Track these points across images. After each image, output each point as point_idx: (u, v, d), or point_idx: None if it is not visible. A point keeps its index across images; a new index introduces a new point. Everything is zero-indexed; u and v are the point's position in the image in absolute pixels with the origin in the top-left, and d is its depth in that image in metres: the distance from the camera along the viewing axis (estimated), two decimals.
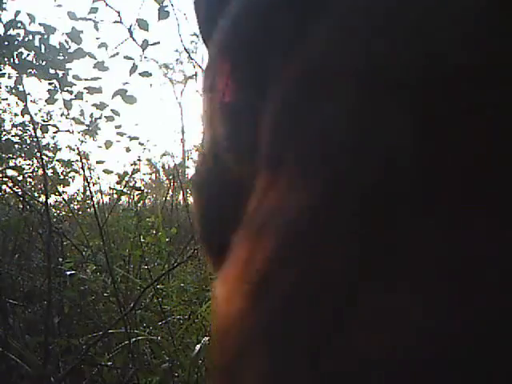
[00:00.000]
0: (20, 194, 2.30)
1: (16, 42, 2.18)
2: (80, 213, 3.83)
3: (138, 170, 2.88)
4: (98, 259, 2.17)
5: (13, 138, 3.24)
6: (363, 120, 0.16)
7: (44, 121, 3.18)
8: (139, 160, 4.55)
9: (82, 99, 2.33)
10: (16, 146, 3.25)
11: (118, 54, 2.22)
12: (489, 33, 0.15)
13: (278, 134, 0.21)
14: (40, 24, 2.22)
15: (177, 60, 16.37)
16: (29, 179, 3.50)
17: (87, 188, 3.88)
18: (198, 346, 1.59)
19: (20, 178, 3.00)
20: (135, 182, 4.27)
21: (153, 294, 1.98)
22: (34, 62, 2.26)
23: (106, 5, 2.12)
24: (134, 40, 2.11)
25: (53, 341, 1.61)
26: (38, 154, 2.52)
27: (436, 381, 0.12)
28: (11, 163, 3.36)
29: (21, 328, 1.71)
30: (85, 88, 2.31)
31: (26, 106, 2.11)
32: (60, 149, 3.48)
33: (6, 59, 2.26)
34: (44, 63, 2.26)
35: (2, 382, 1.54)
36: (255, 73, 0.24)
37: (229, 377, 0.18)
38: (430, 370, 0.12)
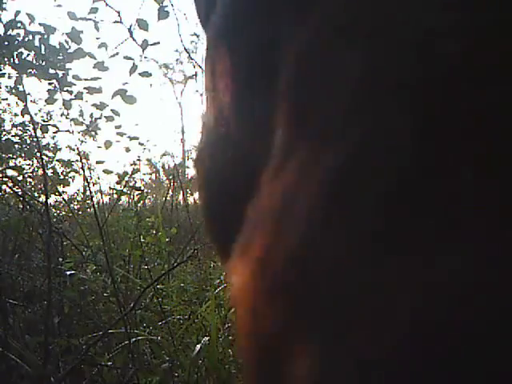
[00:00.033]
0: (20, 194, 2.30)
1: (16, 42, 2.18)
2: (80, 213, 3.84)
3: (138, 170, 2.88)
4: (97, 259, 2.17)
5: (13, 138, 3.24)
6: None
7: (44, 121, 3.18)
8: (139, 160, 4.56)
9: (81, 99, 2.33)
10: (16, 145, 3.25)
11: (117, 53, 2.22)
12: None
13: (299, 91, 0.20)
14: (40, 24, 2.22)
15: (177, 60, 16.39)
16: (29, 179, 3.50)
17: (87, 188, 3.88)
18: (198, 346, 1.59)
19: (20, 178, 3.01)
20: (135, 182, 4.28)
21: (153, 294, 1.98)
22: (34, 62, 2.26)
23: (106, 5, 2.13)
24: (134, 40, 2.11)
25: (53, 341, 1.61)
26: (38, 154, 2.52)
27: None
28: (11, 163, 3.36)
29: (21, 328, 1.71)
30: (85, 88, 2.31)
31: (25, 106, 2.11)
32: (60, 149, 3.49)
33: (6, 59, 2.26)
34: (44, 63, 2.26)
35: (2, 382, 1.54)
36: (263, 37, 0.23)
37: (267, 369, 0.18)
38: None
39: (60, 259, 2.01)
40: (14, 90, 2.59)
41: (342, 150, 0.16)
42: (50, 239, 1.74)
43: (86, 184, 2.90)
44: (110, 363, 1.57)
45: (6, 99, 3.48)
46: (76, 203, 4.47)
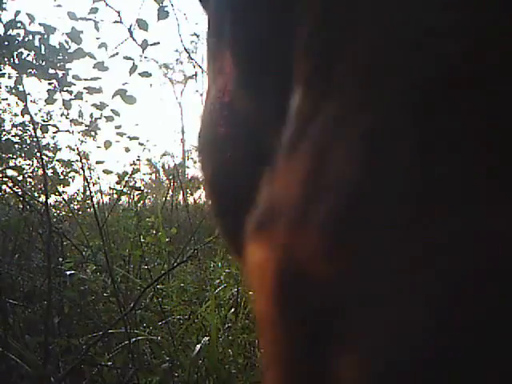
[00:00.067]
0: (20, 194, 2.30)
1: (16, 42, 2.18)
2: (80, 213, 3.84)
3: (138, 170, 2.88)
4: (97, 259, 2.17)
5: (13, 138, 3.24)
6: None
7: (44, 121, 3.18)
8: (139, 160, 4.55)
9: (81, 99, 2.33)
10: (16, 145, 3.25)
11: (117, 54, 2.22)
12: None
13: (321, 50, 0.18)
14: (40, 24, 2.23)
15: (177, 60, 16.40)
16: (29, 179, 3.51)
17: (87, 188, 3.88)
18: (198, 346, 1.59)
19: (20, 178, 3.01)
20: (135, 182, 4.28)
21: (153, 294, 1.98)
22: (34, 62, 2.26)
23: (106, 5, 2.13)
24: (134, 40, 2.11)
25: (53, 341, 1.61)
26: (38, 154, 2.52)
27: None
28: (11, 163, 3.36)
29: (21, 328, 1.71)
30: (85, 88, 2.31)
31: (25, 106, 2.11)
32: (60, 149, 3.49)
33: (6, 59, 2.26)
34: (44, 63, 2.26)
35: (2, 382, 1.54)
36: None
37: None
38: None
39: (60, 259, 2.01)
40: (14, 90, 2.59)
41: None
42: (49, 239, 1.74)
43: (86, 184, 2.90)
44: (110, 363, 1.57)
45: (6, 99, 3.49)
46: (76, 203, 4.47)
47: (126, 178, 2.37)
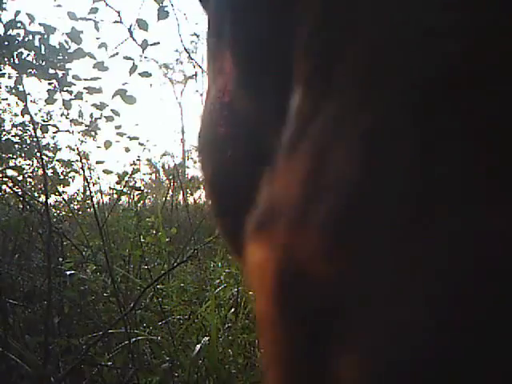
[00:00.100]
0: (20, 194, 2.30)
1: (16, 42, 2.19)
2: (80, 213, 3.84)
3: (138, 170, 2.88)
4: (97, 259, 2.17)
5: (13, 138, 3.24)
6: None
7: (44, 121, 3.18)
8: (139, 160, 4.55)
9: (81, 99, 2.33)
10: (16, 146, 3.25)
11: (117, 54, 2.22)
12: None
13: (321, 49, 0.18)
14: (40, 24, 2.23)
15: (177, 60, 16.41)
16: (29, 179, 3.51)
17: (87, 188, 3.88)
18: (198, 346, 1.59)
19: (20, 178, 3.01)
20: (135, 182, 4.28)
21: (153, 293, 1.98)
22: (34, 62, 2.26)
23: (106, 5, 2.13)
24: (134, 40, 2.11)
25: (53, 341, 1.61)
26: (38, 154, 2.52)
27: None
28: (11, 163, 3.36)
29: (21, 328, 1.71)
30: (84, 88, 2.31)
31: (25, 106, 2.11)
32: (60, 149, 3.49)
33: (6, 59, 2.26)
34: (44, 63, 2.26)
35: (2, 382, 1.54)
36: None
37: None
38: None
39: (60, 259, 2.01)
40: (14, 90, 2.59)
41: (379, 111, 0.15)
42: (50, 239, 1.74)
43: (86, 184, 2.90)
44: (110, 363, 1.57)
45: (6, 99, 3.49)
46: (76, 203, 4.47)
47: (126, 178, 2.37)
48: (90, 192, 2.50)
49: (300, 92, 0.18)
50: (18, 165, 3.41)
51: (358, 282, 0.14)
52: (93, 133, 2.83)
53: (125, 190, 2.41)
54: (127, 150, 2.74)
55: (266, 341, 0.18)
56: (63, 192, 3.24)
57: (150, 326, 1.86)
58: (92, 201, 2.17)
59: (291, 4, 0.20)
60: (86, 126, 2.58)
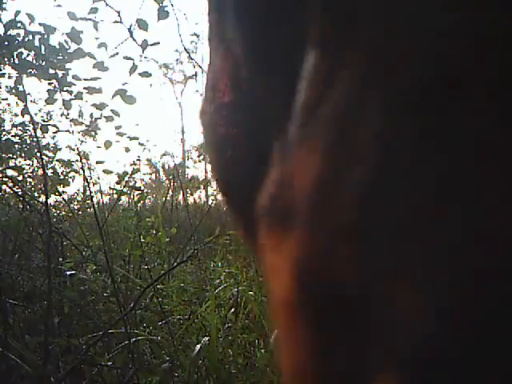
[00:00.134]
0: (20, 194, 2.30)
1: (16, 42, 2.18)
2: (80, 213, 3.84)
3: (138, 170, 2.88)
4: (97, 259, 2.17)
5: (13, 138, 3.24)
6: None
7: (44, 121, 3.18)
8: (139, 160, 4.56)
9: (81, 99, 2.33)
10: (16, 146, 3.25)
11: (117, 54, 2.22)
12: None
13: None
14: (40, 24, 2.22)
15: (177, 60, 16.41)
16: (29, 179, 3.51)
17: (87, 188, 3.88)
18: (198, 346, 1.59)
19: (20, 177, 3.01)
20: (135, 182, 4.28)
21: (153, 293, 1.98)
22: (34, 62, 2.26)
23: (106, 5, 2.13)
24: (134, 40, 2.11)
25: (53, 341, 1.61)
26: (38, 154, 2.52)
27: None
28: (11, 163, 3.36)
29: (21, 328, 1.71)
30: (84, 88, 2.31)
31: (26, 106, 2.11)
32: (60, 149, 3.49)
33: (6, 59, 2.26)
34: (44, 63, 2.26)
35: (2, 382, 1.54)
36: None
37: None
38: None
39: (60, 259, 2.01)
40: (14, 90, 2.59)
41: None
42: (50, 239, 1.74)
43: (86, 184, 2.90)
44: (110, 363, 1.57)
45: (6, 99, 3.49)
46: (76, 203, 4.47)
47: (126, 178, 2.37)
48: (90, 192, 2.50)
49: (314, 55, 0.18)
50: (18, 165, 3.41)
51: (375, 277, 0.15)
52: (93, 133, 2.83)
53: (125, 190, 2.41)
54: (127, 150, 2.74)
55: (285, 328, 0.18)
56: (63, 192, 3.24)
57: (150, 326, 1.86)
58: (92, 201, 2.17)
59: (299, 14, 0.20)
60: (86, 126, 2.58)
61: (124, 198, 3.14)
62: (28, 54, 2.24)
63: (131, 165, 4.54)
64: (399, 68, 0.15)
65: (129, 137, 2.54)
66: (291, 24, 0.21)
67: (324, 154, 0.16)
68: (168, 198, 3.92)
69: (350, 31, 0.17)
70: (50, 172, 2.82)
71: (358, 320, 0.15)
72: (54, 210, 3.30)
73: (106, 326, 1.63)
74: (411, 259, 0.14)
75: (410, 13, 0.16)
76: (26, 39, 2.19)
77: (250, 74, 0.24)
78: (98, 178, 4.78)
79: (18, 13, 2.19)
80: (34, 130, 2.27)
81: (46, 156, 3.08)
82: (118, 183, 2.36)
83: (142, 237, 2.17)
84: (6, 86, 2.99)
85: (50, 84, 2.35)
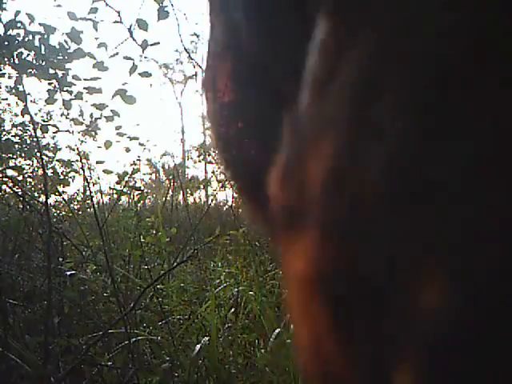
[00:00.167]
0: (20, 194, 2.30)
1: (16, 42, 2.18)
2: (80, 213, 3.84)
3: (138, 170, 2.88)
4: (97, 259, 2.17)
5: (13, 138, 3.24)
6: None
7: (44, 121, 3.18)
8: (139, 160, 4.55)
9: (81, 99, 2.33)
10: (16, 146, 3.25)
11: (117, 54, 2.22)
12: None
13: None
14: (40, 24, 2.22)
15: (177, 60, 16.42)
16: (29, 179, 3.51)
17: (87, 188, 3.88)
18: (198, 346, 1.59)
19: (20, 177, 3.01)
20: (135, 182, 4.28)
21: (153, 293, 1.98)
22: (34, 62, 2.26)
23: (106, 5, 2.13)
24: (134, 40, 2.11)
25: (53, 341, 1.61)
26: (38, 154, 2.52)
27: None
28: (11, 163, 3.36)
29: (21, 328, 1.71)
30: (85, 88, 2.31)
31: (26, 106, 2.11)
32: (60, 149, 3.49)
33: (6, 59, 2.26)
34: (44, 63, 2.26)
35: (2, 382, 1.54)
36: None
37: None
38: None
39: (60, 259, 2.01)
40: (13, 90, 2.59)
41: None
42: (50, 239, 1.74)
43: (86, 184, 2.90)
44: (110, 363, 1.57)
45: (6, 99, 3.49)
46: (76, 203, 4.47)
47: (126, 178, 2.37)
48: (90, 192, 2.50)
49: (324, 32, 0.17)
50: (18, 165, 3.41)
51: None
52: (93, 133, 2.83)
53: (125, 190, 2.41)
54: (127, 150, 2.74)
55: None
56: (63, 192, 3.24)
57: (150, 326, 1.86)
58: (92, 201, 2.17)
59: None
60: (86, 125, 2.58)
61: (124, 198, 3.14)
62: (28, 54, 2.24)
63: (131, 165, 4.54)
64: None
65: (129, 137, 2.54)
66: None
67: (338, 136, 0.16)
68: (168, 198, 3.92)
69: (363, 10, 0.16)
70: (50, 172, 2.82)
71: (378, 298, 0.15)
72: (54, 209, 3.30)
73: (106, 326, 1.63)
74: (436, 246, 0.14)
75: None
76: (26, 39, 2.19)
77: (254, 37, 0.24)
78: (98, 178, 4.78)
79: (18, 13, 2.19)
80: (34, 130, 2.27)
81: (46, 156, 3.08)
82: (118, 183, 2.36)
83: (142, 237, 2.17)
84: (6, 86, 2.99)
85: (50, 84, 2.34)
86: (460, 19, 0.15)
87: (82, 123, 2.51)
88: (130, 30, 2.08)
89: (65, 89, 2.29)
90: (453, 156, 0.14)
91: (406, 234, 0.14)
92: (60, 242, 2.10)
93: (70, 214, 3.22)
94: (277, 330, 1.69)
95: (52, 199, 3.18)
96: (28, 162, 3.62)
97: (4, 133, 3.29)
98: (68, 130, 2.57)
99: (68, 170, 3.31)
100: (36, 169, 3.63)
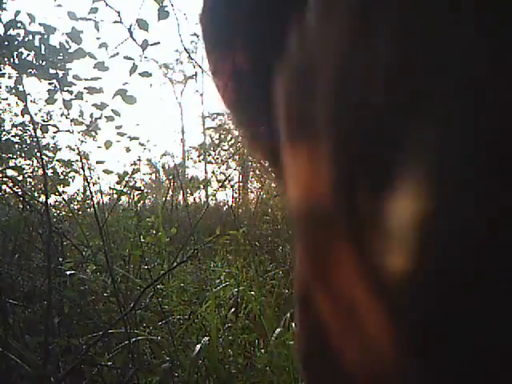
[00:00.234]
0: (20, 194, 2.30)
1: (16, 42, 2.18)
2: (80, 213, 3.83)
3: (138, 170, 2.88)
4: (97, 259, 2.17)
5: (13, 138, 3.24)
6: None
7: (44, 121, 3.18)
8: (139, 160, 4.55)
9: (82, 99, 2.33)
10: (16, 146, 3.25)
11: (118, 54, 2.22)
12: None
13: None
14: (40, 24, 2.22)
15: (177, 60, 16.41)
16: (29, 179, 3.50)
17: (87, 188, 3.88)
18: (198, 346, 1.59)
19: (20, 177, 3.00)
20: (135, 182, 4.28)
21: (153, 293, 1.98)
22: (34, 62, 2.26)
23: (106, 5, 2.13)
24: (134, 40, 2.11)
25: (53, 341, 1.61)
26: (38, 154, 2.52)
27: None
28: (11, 163, 3.36)
29: (21, 328, 1.71)
30: (85, 88, 2.31)
31: (26, 106, 2.11)
32: (60, 149, 3.48)
33: (6, 59, 2.26)
34: (44, 63, 2.26)
35: (2, 382, 1.54)
36: None
37: None
38: None
39: (60, 259, 2.01)
40: (13, 90, 2.59)
41: None
42: (50, 239, 1.74)
43: (86, 184, 2.90)
44: (110, 363, 1.57)
45: (6, 99, 3.48)
46: (76, 203, 4.46)
47: (126, 178, 2.37)
48: (90, 192, 2.50)
49: None
50: (18, 165, 3.40)
51: None
52: (93, 133, 2.83)
53: (125, 190, 2.41)
54: (128, 150, 2.74)
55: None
56: (63, 192, 3.24)
57: (150, 326, 1.86)
58: (92, 201, 2.17)
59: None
60: (86, 125, 2.58)
61: (124, 198, 3.14)
62: (28, 54, 2.24)
63: (131, 165, 4.54)
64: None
65: (129, 137, 2.54)
66: None
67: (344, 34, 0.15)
68: (168, 198, 3.91)
69: None
70: (50, 172, 2.82)
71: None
72: (54, 209, 3.30)
73: (106, 326, 1.62)
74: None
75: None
76: (26, 39, 2.19)
77: None
78: (98, 178, 4.78)
79: (18, 13, 2.19)
80: (34, 130, 2.27)
81: (46, 156, 3.07)
82: (118, 183, 2.36)
83: (142, 237, 2.17)
84: (6, 86, 2.99)
85: (50, 84, 2.34)
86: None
87: (82, 123, 2.51)
88: (130, 30, 2.08)
89: (65, 89, 2.29)
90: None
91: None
92: (60, 241, 2.10)
93: (70, 214, 3.21)
94: (277, 330, 1.69)
95: (52, 199, 3.18)
96: (28, 162, 3.62)
97: (4, 133, 3.29)
98: (68, 130, 2.57)
99: (68, 170, 3.31)
100: (36, 169, 3.63)
